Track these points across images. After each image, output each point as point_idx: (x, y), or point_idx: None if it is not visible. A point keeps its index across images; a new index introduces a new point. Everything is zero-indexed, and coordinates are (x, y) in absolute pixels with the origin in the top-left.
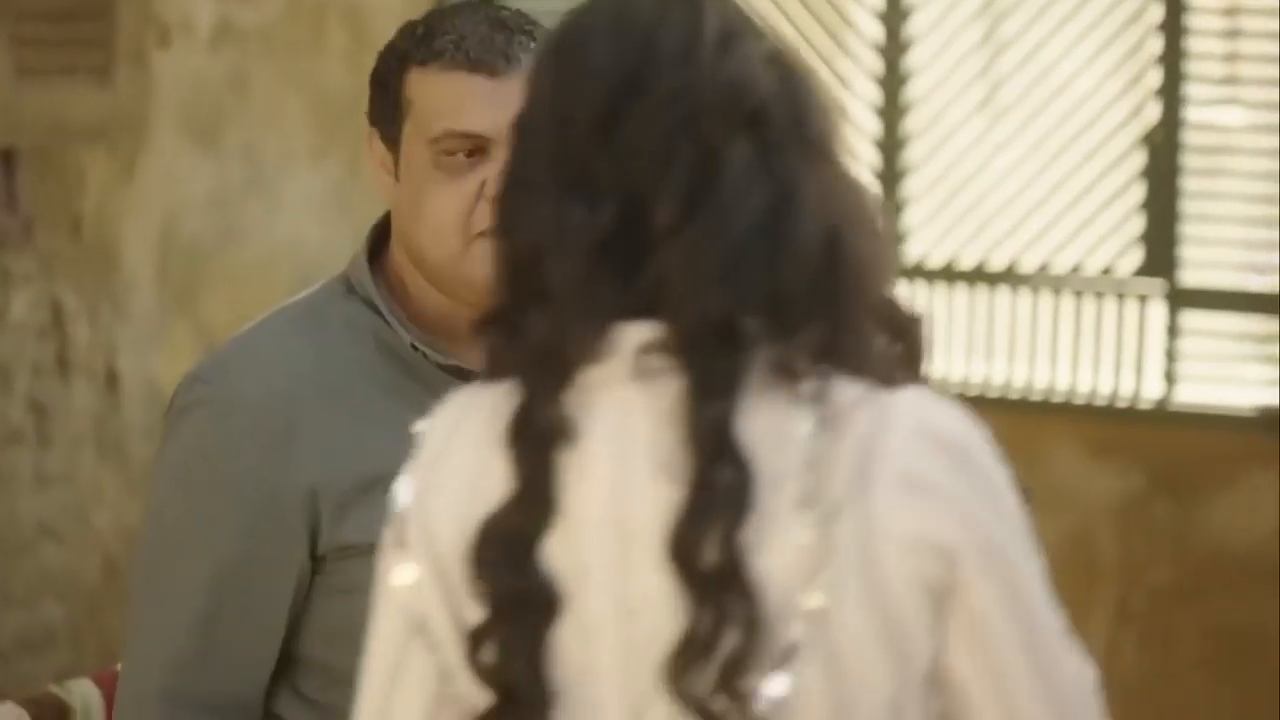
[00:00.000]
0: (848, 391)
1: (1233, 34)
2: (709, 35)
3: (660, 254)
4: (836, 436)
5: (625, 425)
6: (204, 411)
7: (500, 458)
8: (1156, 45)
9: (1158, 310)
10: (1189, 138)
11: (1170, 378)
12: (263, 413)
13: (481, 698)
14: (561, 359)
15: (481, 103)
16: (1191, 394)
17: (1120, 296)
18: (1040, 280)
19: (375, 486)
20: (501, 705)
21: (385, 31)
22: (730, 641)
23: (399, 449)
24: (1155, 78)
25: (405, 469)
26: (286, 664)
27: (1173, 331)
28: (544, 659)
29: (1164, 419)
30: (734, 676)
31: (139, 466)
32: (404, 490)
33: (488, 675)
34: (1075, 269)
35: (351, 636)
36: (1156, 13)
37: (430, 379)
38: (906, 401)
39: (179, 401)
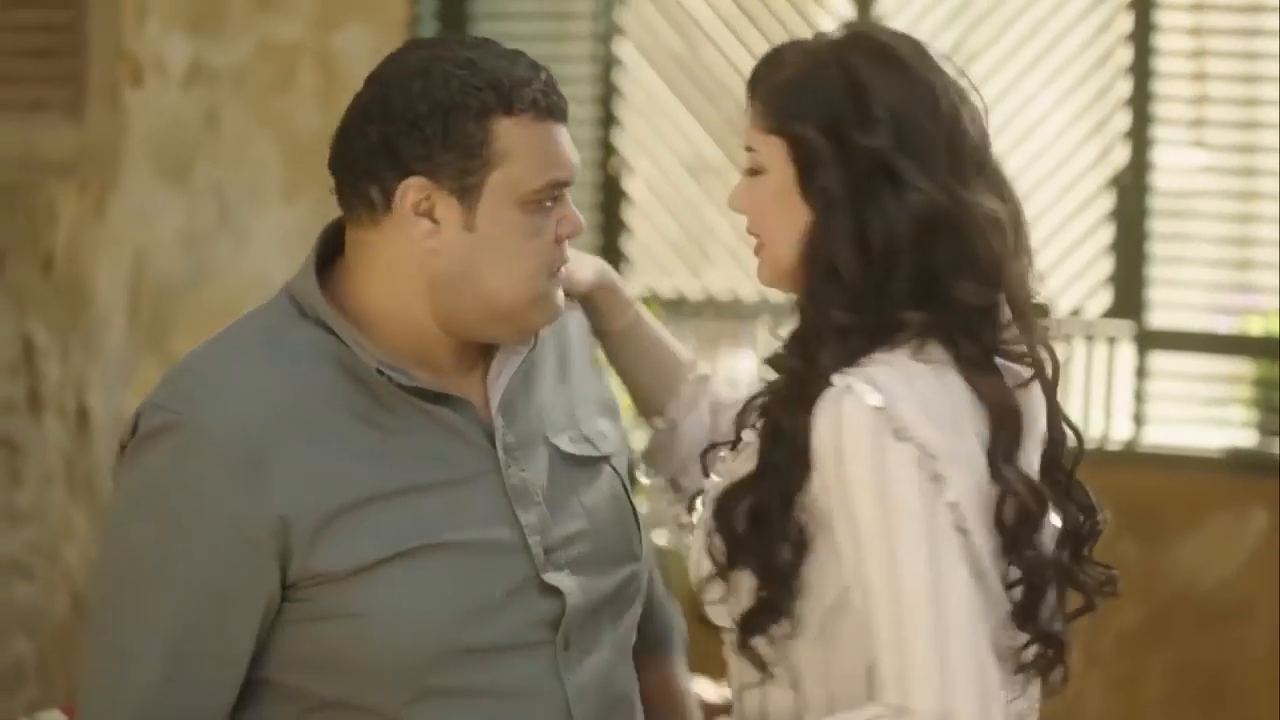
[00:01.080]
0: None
1: (1200, 77)
2: None
3: None
4: None
5: None
6: (170, 439)
7: (974, 411)
8: (1125, 88)
9: (1126, 352)
10: (1157, 180)
11: (1138, 419)
12: (232, 442)
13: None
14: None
15: (567, 150)
16: (1159, 435)
17: (1089, 338)
18: None
19: (347, 513)
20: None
21: (356, 72)
22: None
23: (369, 474)
24: (1123, 121)
25: (914, 425)
26: (253, 690)
27: (1141, 373)
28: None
29: (1132, 460)
30: None
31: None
32: (928, 432)
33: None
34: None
35: (323, 662)
36: (1125, 56)
37: (392, 401)
38: None
39: (142, 428)
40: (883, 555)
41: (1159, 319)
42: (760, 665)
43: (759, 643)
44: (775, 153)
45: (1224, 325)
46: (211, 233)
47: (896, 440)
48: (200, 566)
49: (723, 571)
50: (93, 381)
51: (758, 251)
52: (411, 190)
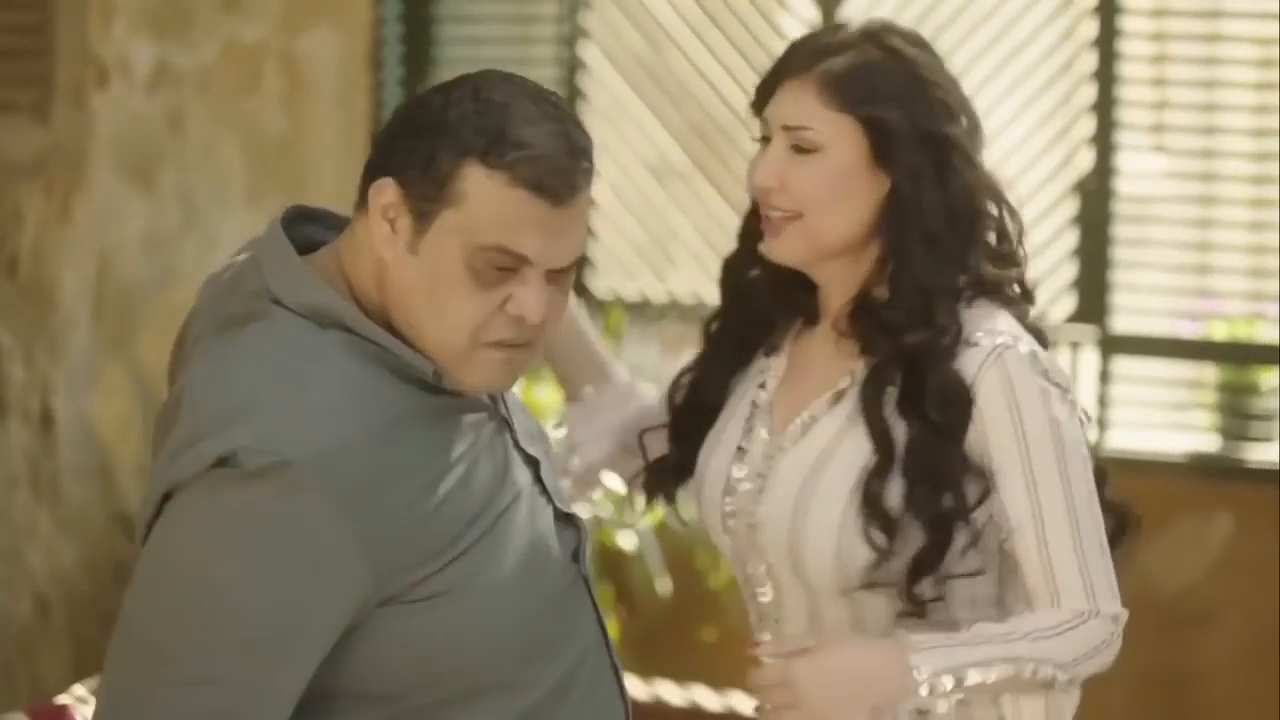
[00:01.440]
0: None
1: (1161, 83)
2: None
3: None
4: None
5: None
6: (272, 481)
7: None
8: (1089, 94)
9: (1090, 357)
10: (1121, 186)
11: (1102, 424)
12: (331, 479)
13: None
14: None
15: (539, 229)
16: (1123, 440)
17: (1053, 343)
18: None
19: (429, 521)
20: None
21: (321, 75)
22: None
23: (436, 480)
24: (1087, 126)
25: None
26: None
27: (1105, 378)
28: None
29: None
30: None
31: (73, 507)
32: (1059, 372)
33: None
34: None
35: (399, 671)
36: (1089, 62)
37: (444, 404)
38: None
39: (262, 478)
40: (1060, 485)
41: (1123, 324)
42: (920, 607)
43: (924, 585)
44: (843, 131)
45: (1187, 330)
46: (177, 235)
47: (1048, 383)
48: (288, 608)
49: (885, 552)
50: (58, 384)
51: (783, 227)
52: (384, 191)
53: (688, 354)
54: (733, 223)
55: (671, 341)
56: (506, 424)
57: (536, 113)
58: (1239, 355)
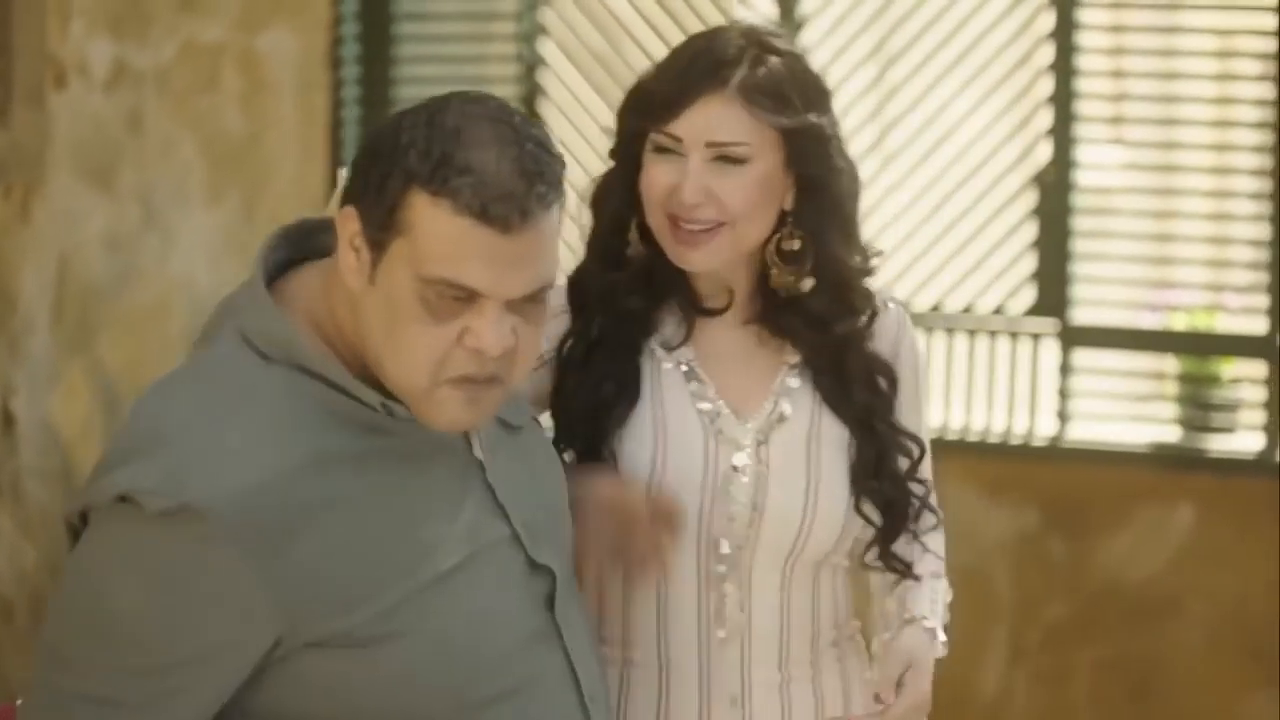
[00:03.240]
0: None
1: (1119, 75)
2: None
3: None
4: None
5: None
6: (175, 527)
7: None
8: (1047, 87)
9: (1050, 349)
10: (1080, 178)
11: (1064, 416)
12: (235, 528)
13: None
14: None
15: (488, 259)
16: (1084, 431)
17: (1013, 335)
18: (933, 320)
19: (359, 582)
20: None
21: (279, 74)
22: None
23: (373, 539)
24: (1046, 119)
25: None
26: None
27: (1065, 370)
28: None
29: (1057, 456)
30: None
31: (34, 509)
32: None
33: None
34: (968, 309)
35: (326, 714)
36: (1046, 54)
37: (383, 426)
38: None
39: (142, 509)
40: (925, 414)
41: (1083, 316)
42: (908, 568)
43: (901, 545)
44: (767, 141)
45: (1148, 321)
46: (136, 235)
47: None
48: (187, 639)
49: (876, 525)
50: (18, 386)
51: (706, 239)
52: (348, 220)
53: None
54: None
55: None
56: (481, 467)
57: (490, 135)
58: (1199, 346)
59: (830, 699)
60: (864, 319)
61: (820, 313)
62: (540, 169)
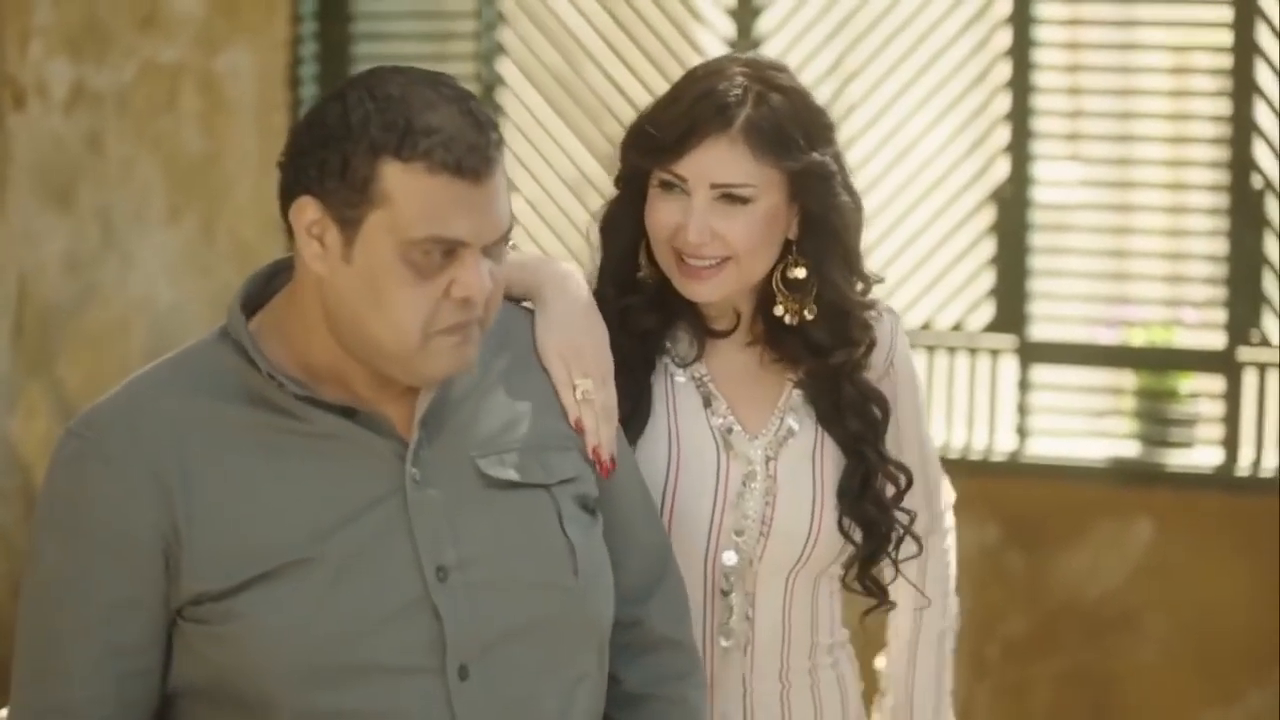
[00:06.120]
0: None
1: (1076, 92)
2: None
3: None
4: None
5: None
6: (72, 463)
7: None
8: (1004, 104)
9: (1009, 365)
10: (1037, 195)
11: (1022, 431)
12: (127, 461)
13: None
14: None
15: (466, 209)
16: (1043, 447)
17: (972, 351)
18: None
19: (229, 533)
20: None
21: (238, 93)
22: None
23: (265, 499)
24: (1003, 135)
25: None
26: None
27: (1024, 386)
28: None
29: (1017, 471)
30: None
31: None
32: None
33: None
34: (926, 325)
35: (212, 689)
36: (1004, 71)
37: (302, 418)
38: None
39: (55, 454)
40: (925, 420)
41: (1041, 332)
42: (884, 592)
43: (883, 568)
44: (772, 181)
45: (1105, 337)
46: (96, 255)
47: None
48: (102, 585)
49: (862, 545)
50: None
51: (712, 274)
52: (305, 209)
53: None
54: None
55: None
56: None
57: (435, 96)
58: (1157, 361)
59: (829, 709)
60: (861, 350)
61: (820, 341)
62: (488, 118)
